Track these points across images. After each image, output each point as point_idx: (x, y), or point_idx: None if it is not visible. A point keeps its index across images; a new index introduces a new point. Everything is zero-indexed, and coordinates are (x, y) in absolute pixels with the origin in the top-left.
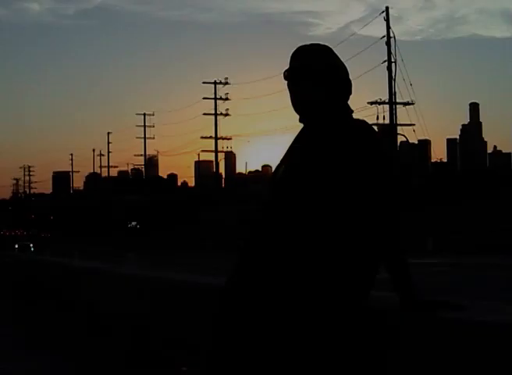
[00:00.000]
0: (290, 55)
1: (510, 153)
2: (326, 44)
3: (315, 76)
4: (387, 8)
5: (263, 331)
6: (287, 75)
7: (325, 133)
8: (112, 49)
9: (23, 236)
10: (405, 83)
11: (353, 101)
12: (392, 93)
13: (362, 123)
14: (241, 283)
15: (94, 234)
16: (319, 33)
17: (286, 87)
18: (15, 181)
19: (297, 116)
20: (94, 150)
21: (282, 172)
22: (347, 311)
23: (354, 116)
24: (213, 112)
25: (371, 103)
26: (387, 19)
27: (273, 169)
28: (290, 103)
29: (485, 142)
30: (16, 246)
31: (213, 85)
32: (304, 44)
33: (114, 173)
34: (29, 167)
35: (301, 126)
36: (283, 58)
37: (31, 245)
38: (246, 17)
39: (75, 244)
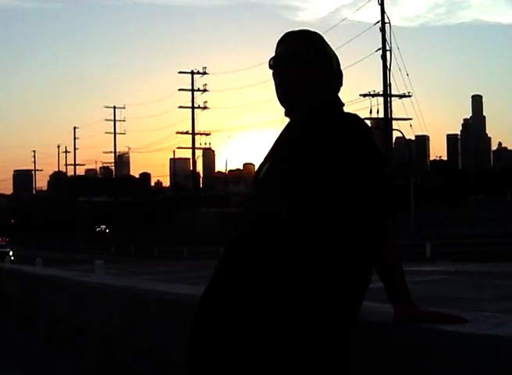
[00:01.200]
0: (276, 42)
1: None
2: (315, 30)
3: (303, 65)
4: None
5: (244, 346)
6: (272, 64)
7: (312, 128)
8: (78, 36)
9: None
10: (401, 74)
11: (344, 94)
12: (386, 84)
13: (354, 118)
14: (219, 294)
15: (58, 239)
16: (307, 18)
17: (271, 77)
18: None
19: (283, 110)
20: (58, 146)
21: (265, 170)
22: (336, 325)
23: (345, 109)
24: (190, 104)
25: (364, 95)
26: (381, 3)
27: (256, 168)
28: (275, 95)
29: (489, 138)
30: None
31: (190, 75)
32: (291, 30)
33: (81, 171)
34: None
35: (287, 120)
36: (268, 46)
37: (10, 253)
38: (226, 0)
39: (37, 249)
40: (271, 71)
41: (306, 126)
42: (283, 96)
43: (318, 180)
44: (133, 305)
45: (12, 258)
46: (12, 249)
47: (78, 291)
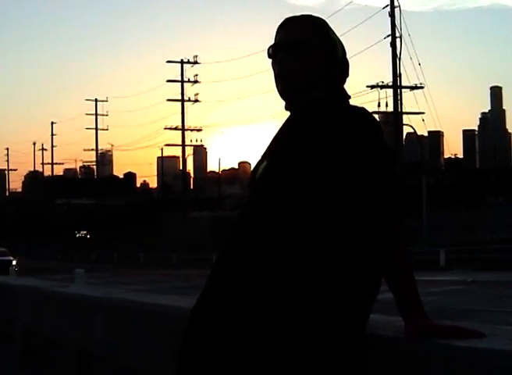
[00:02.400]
0: (275, 28)
1: None
2: (318, 15)
3: (306, 54)
4: None
5: (241, 358)
6: (272, 53)
7: (315, 123)
8: (56, 23)
9: None
10: (412, 63)
11: (349, 85)
12: (396, 74)
13: (360, 111)
14: (214, 303)
15: (34, 246)
16: (308, 2)
17: (270, 67)
18: None
19: (283, 103)
20: (34, 144)
21: (263, 169)
22: (341, 340)
23: (351, 102)
24: (179, 97)
25: (372, 87)
26: None
27: (252, 167)
28: (275, 87)
29: (509, 134)
30: None
31: (179, 65)
32: (291, 15)
33: (59, 171)
34: None
35: (287, 114)
36: (266, 33)
37: (14, 262)
38: None
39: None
40: (270, 61)
41: (307, 121)
42: (284, 88)
43: (321, 180)
44: (115, 318)
45: (17, 268)
46: (15, 258)
47: (55, 303)
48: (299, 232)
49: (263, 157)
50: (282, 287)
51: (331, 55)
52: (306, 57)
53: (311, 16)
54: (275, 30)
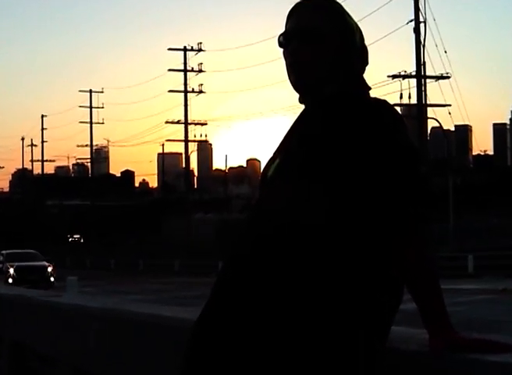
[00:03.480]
0: (287, 14)
1: None
2: None
3: (320, 41)
4: None
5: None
6: (283, 41)
7: (333, 118)
8: (45, 8)
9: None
10: (438, 51)
11: (369, 75)
12: (420, 63)
13: (382, 104)
14: (221, 313)
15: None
16: None
17: (281, 55)
18: None
19: (296, 95)
20: (23, 139)
21: (275, 168)
22: (360, 354)
23: (371, 93)
24: (182, 88)
25: (393, 77)
26: None
27: (263, 165)
28: (287, 77)
29: None
30: (12, 272)
31: (182, 52)
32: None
33: (50, 169)
34: None
35: (301, 107)
36: (275, 17)
37: (50, 269)
38: None
39: None
40: (281, 49)
41: (324, 116)
42: (297, 80)
43: (341, 180)
44: (113, 331)
45: (53, 279)
46: (51, 263)
47: (46, 315)
48: (317, 237)
49: (275, 154)
50: (297, 298)
51: (347, 43)
52: (320, 45)
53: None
54: (286, 16)
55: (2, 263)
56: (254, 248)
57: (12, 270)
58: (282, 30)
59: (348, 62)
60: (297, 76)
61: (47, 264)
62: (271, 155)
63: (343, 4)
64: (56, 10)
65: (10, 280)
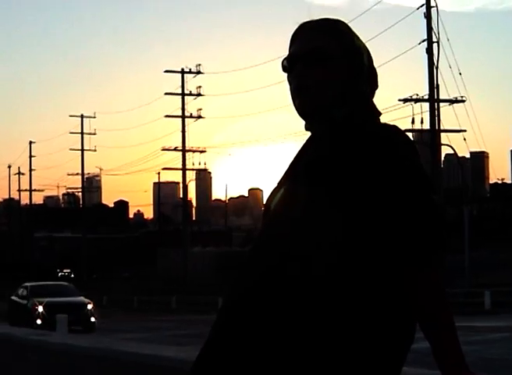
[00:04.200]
0: (290, 35)
1: None
2: (340, 18)
3: (327, 65)
4: None
5: None
6: (287, 65)
7: (340, 147)
8: (35, 28)
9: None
10: (452, 73)
11: (379, 99)
12: (433, 86)
13: (392, 131)
14: (220, 355)
15: (9, 287)
16: (331, 0)
17: (286, 79)
18: None
19: (301, 121)
20: (9, 167)
21: (280, 198)
22: None
23: (382, 119)
24: (179, 112)
25: (405, 100)
26: None
27: (266, 195)
28: (291, 102)
29: None
30: (41, 311)
31: (179, 75)
32: (309, 19)
33: (39, 199)
34: None
35: (307, 134)
36: (279, 38)
37: (90, 306)
38: None
39: None
40: (285, 74)
41: (331, 144)
42: (302, 105)
43: (351, 210)
44: (106, 372)
45: (94, 319)
46: (90, 300)
47: (34, 354)
48: (326, 271)
49: (280, 183)
50: (303, 337)
51: (356, 65)
52: (326, 68)
53: (330, 19)
54: (290, 39)
55: (26, 299)
56: (256, 288)
57: (40, 308)
58: (286, 51)
59: (356, 86)
60: (302, 101)
61: (85, 300)
62: (275, 184)
63: (350, 24)
64: (45, 30)
65: (39, 321)
